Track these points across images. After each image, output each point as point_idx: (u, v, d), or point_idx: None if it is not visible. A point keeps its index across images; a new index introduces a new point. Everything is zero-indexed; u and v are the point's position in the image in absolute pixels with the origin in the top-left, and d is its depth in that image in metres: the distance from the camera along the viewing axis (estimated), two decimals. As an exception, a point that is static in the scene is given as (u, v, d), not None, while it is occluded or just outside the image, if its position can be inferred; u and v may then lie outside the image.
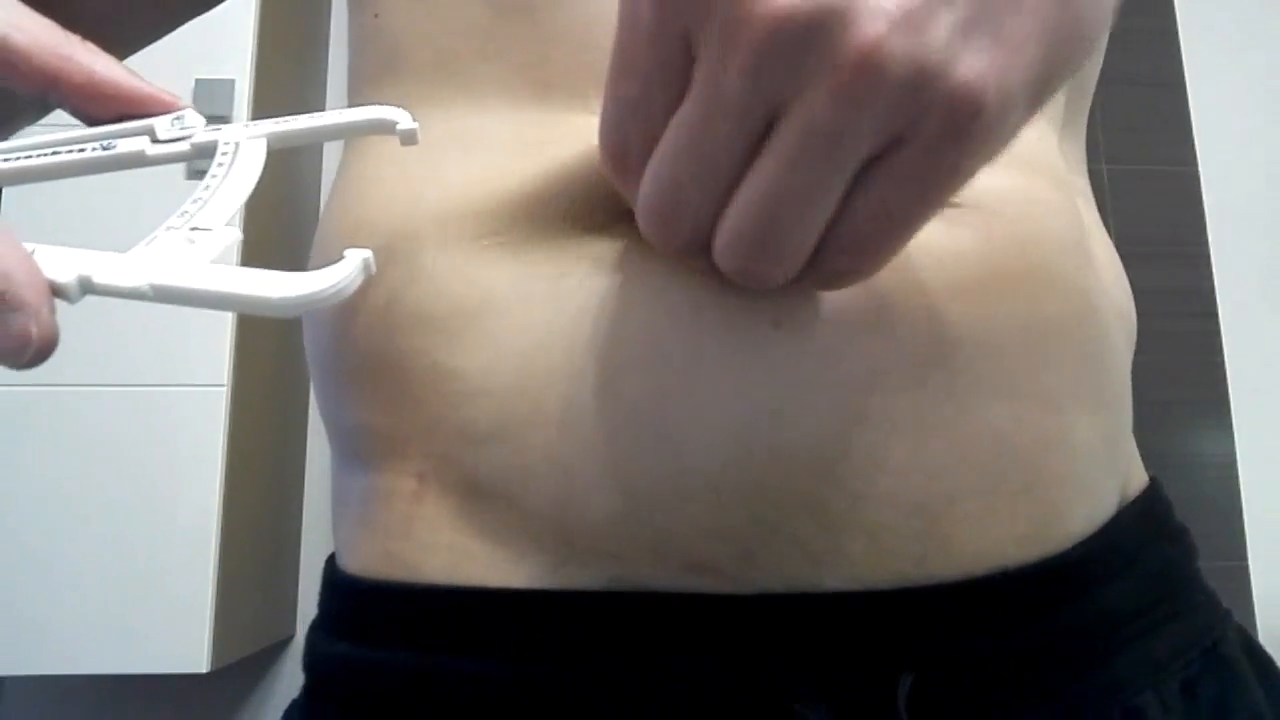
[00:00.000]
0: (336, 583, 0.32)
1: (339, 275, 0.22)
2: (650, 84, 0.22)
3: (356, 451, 0.32)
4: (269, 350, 1.41)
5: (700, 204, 0.22)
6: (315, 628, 0.33)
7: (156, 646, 1.16)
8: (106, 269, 0.21)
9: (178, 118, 0.26)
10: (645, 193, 0.23)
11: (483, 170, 0.30)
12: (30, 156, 0.25)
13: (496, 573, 0.28)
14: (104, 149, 0.25)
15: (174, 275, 0.22)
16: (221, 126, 0.26)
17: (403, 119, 0.27)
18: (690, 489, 0.26)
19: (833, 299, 0.26)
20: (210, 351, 1.23)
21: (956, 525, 0.27)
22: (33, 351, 0.19)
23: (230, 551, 1.22)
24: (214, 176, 0.25)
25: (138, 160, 0.26)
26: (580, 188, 0.29)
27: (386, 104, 0.27)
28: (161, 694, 1.48)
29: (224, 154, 0.26)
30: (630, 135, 0.23)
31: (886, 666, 0.26)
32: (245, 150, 0.26)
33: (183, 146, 0.26)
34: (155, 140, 0.26)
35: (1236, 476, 1.59)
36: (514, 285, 0.29)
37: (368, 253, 0.22)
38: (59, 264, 0.21)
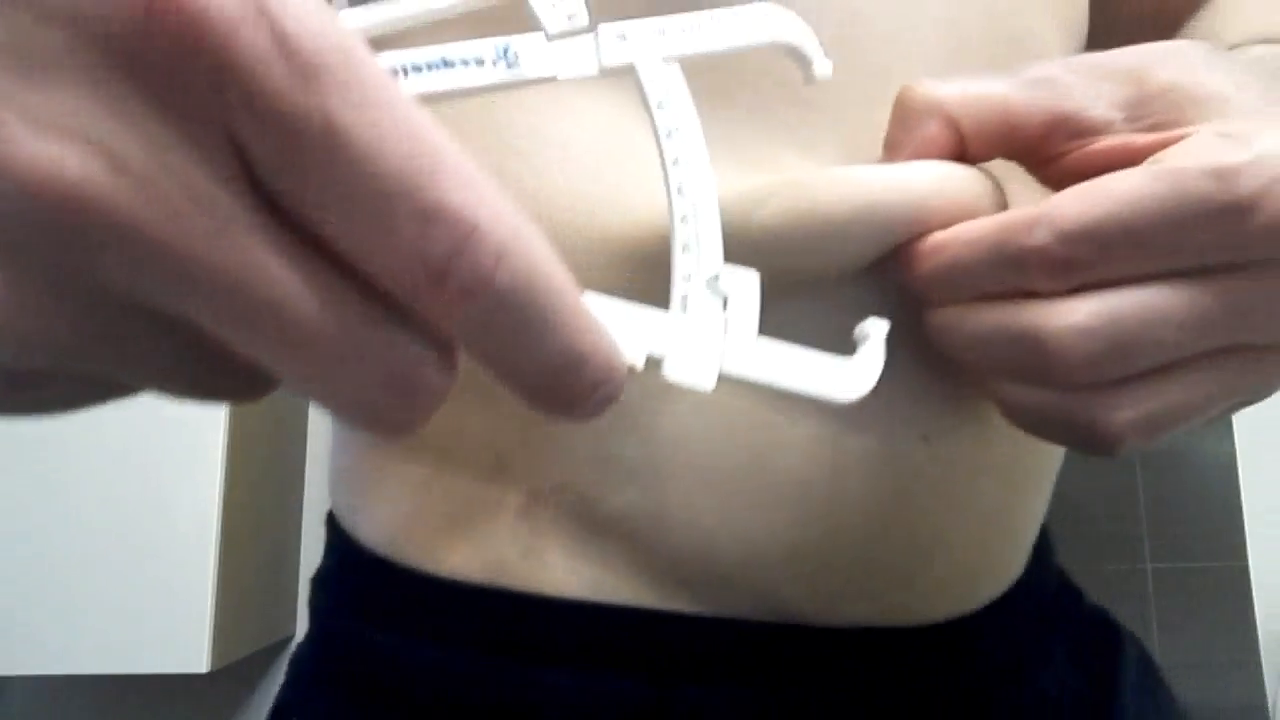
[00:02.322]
0: (414, 581, 0.30)
1: (879, 361, 0.21)
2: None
3: (424, 441, 0.31)
4: (269, 350, 1.41)
5: (1094, 263, 0.22)
6: (366, 625, 0.31)
7: (156, 646, 1.15)
8: (670, 351, 0.19)
9: None
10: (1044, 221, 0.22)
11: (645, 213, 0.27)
12: (421, 71, 0.19)
13: (605, 591, 0.29)
14: (508, 64, 0.20)
15: (741, 363, 0.20)
16: (599, 28, 0.21)
17: (815, 54, 0.23)
18: (810, 562, 0.28)
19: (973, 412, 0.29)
20: (210, 351, 1.23)
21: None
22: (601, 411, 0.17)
23: (230, 551, 1.22)
24: (674, 164, 0.20)
25: (545, 81, 0.20)
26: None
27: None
28: (161, 694, 1.48)
29: (659, 107, 0.21)
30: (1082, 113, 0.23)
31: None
32: (672, 92, 0.21)
33: (587, 65, 0.20)
34: (549, 36, 0.20)
35: (1236, 476, 1.59)
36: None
37: (886, 324, 0.22)
38: (615, 325, 0.18)
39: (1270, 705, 0.90)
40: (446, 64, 0.19)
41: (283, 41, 0.13)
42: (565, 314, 0.15)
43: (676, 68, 0.21)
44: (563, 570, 0.29)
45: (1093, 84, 0.24)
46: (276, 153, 0.13)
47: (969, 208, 0.25)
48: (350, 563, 0.32)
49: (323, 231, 0.14)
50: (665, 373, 0.19)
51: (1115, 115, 0.23)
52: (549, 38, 0.20)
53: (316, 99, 0.13)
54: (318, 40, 0.13)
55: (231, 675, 1.47)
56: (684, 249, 0.20)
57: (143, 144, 0.13)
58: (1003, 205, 0.26)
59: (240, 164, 0.14)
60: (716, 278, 0.20)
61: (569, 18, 0.20)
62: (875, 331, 0.22)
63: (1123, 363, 0.22)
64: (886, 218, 0.25)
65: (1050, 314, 0.22)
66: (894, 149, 0.26)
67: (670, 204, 0.21)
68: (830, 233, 0.25)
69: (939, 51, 0.30)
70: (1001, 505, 0.31)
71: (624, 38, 0.21)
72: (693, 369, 0.19)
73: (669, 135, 0.21)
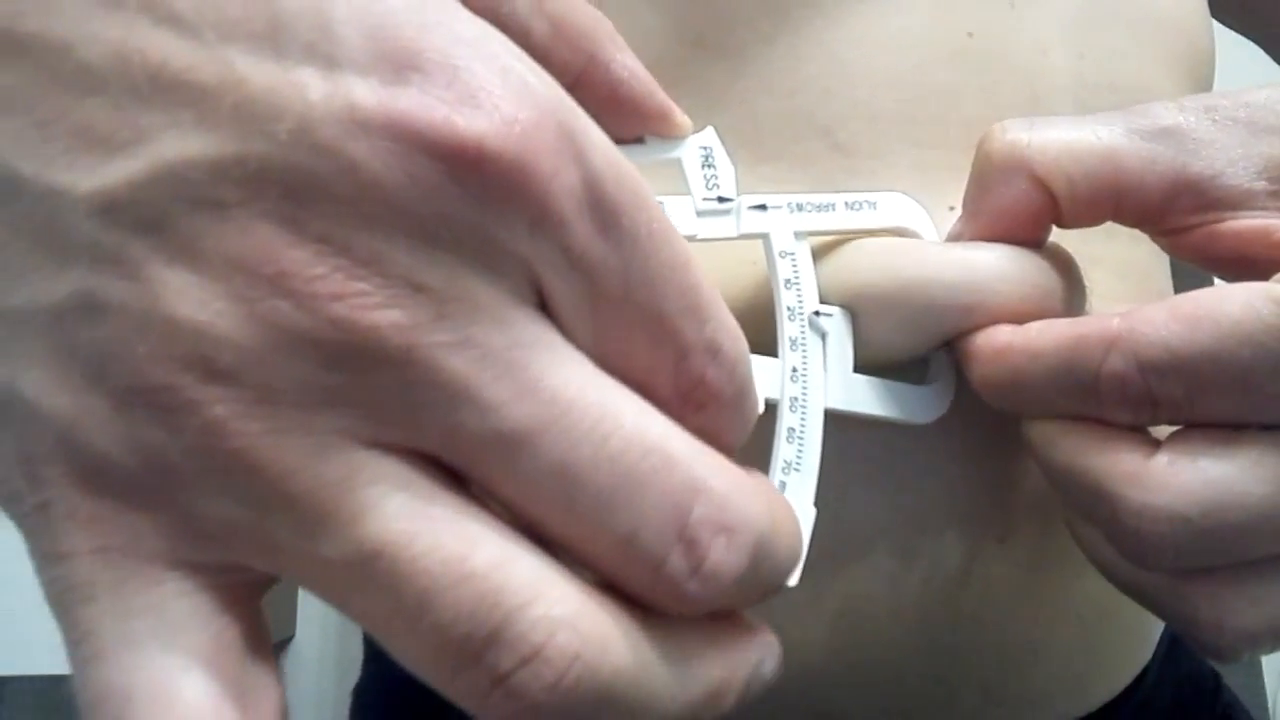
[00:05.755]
0: None
1: (951, 387, 0.23)
2: None
3: None
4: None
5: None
6: None
7: (156, 647, 1.15)
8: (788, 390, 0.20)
9: (707, 162, 0.21)
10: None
11: None
12: None
13: None
14: None
15: (840, 397, 0.21)
16: (740, 198, 0.21)
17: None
18: (874, 678, 0.25)
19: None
20: (210, 352, 1.23)
21: None
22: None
23: (230, 552, 1.21)
24: (791, 343, 0.21)
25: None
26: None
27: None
28: (162, 694, 1.47)
29: (786, 285, 0.22)
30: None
31: None
32: (800, 271, 0.22)
33: (727, 229, 0.21)
34: (699, 212, 0.21)
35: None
36: None
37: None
38: None
39: (1270, 705, 0.90)
40: None
41: (592, 188, 0.13)
42: (754, 399, 0.16)
43: (806, 246, 0.22)
44: None
45: (1235, 139, 0.18)
46: (576, 291, 0.14)
47: (1033, 306, 0.20)
48: None
49: (599, 354, 0.14)
50: (785, 413, 0.20)
51: (1261, 186, 0.18)
52: (698, 215, 0.21)
53: (614, 244, 0.14)
54: (619, 184, 0.14)
55: (232, 675, 1.47)
56: (788, 311, 0.21)
57: (455, 288, 0.13)
58: (1079, 302, 0.22)
59: (538, 297, 0.14)
60: (817, 314, 0.21)
61: (719, 200, 0.21)
62: (947, 357, 0.23)
63: (1224, 552, 0.17)
64: (932, 310, 0.21)
65: (1129, 481, 0.17)
66: (971, 215, 0.22)
67: (780, 345, 0.22)
68: (873, 315, 0.22)
69: (1015, 102, 0.25)
70: (1109, 606, 0.26)
71: (763, 209, 0.22)
72: (804, 403, 0.21)
73: (790, 315, 0.22)
